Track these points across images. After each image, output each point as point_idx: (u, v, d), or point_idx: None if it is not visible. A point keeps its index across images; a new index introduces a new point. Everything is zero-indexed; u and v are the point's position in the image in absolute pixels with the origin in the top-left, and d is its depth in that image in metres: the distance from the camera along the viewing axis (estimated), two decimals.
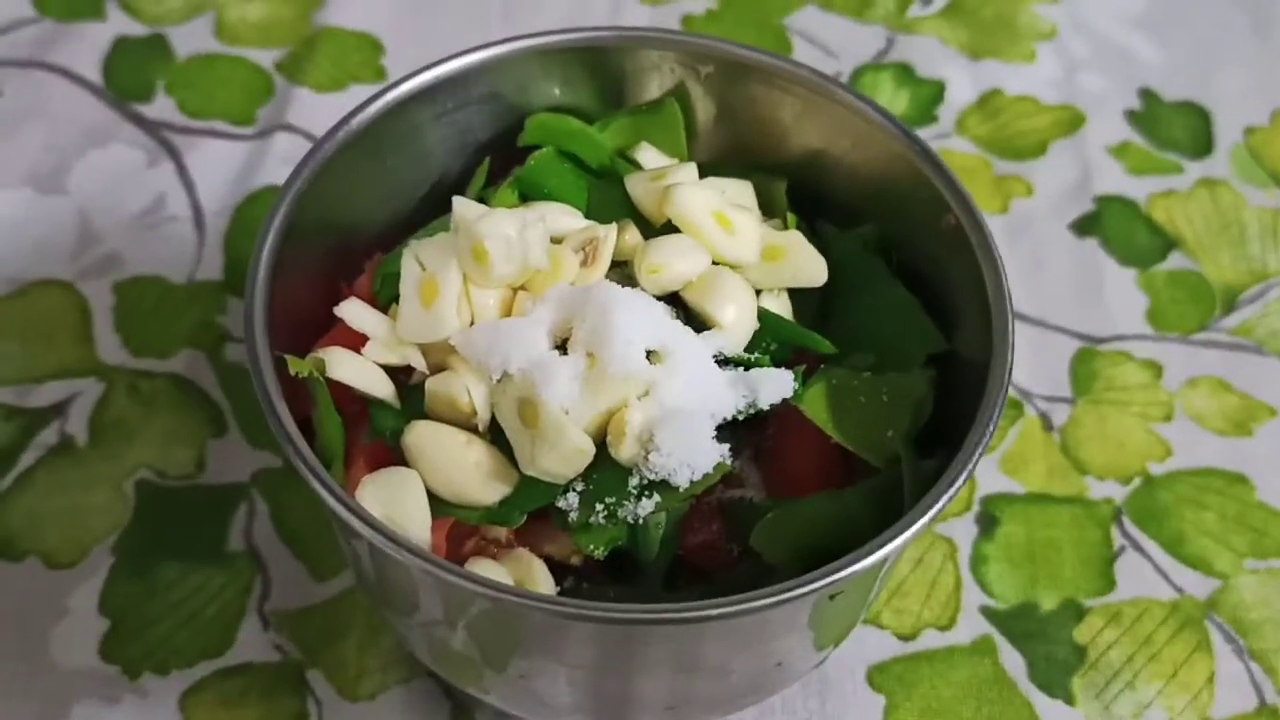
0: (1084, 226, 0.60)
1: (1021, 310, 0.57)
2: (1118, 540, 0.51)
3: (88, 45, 0.64)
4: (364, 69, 0.64)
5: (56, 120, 0.62)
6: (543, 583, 0.38)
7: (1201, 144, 0.64)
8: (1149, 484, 0.53)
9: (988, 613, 0.49)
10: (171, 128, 0.61)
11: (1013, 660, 0.48)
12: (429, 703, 0.46)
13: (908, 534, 0.35)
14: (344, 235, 0.44)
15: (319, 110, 0.62)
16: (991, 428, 0.37)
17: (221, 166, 0.60)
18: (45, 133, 0.61)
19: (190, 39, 0.65)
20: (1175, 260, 0.60)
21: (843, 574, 0.34)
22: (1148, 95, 0.65)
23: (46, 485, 0.50)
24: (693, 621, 0.34)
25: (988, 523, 0.52)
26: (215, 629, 0.47)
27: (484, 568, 0.38)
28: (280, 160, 0.60)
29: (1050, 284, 0.58)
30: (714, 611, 0.34)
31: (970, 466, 0.36)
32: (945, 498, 0.36)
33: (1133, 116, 0.65)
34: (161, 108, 0.62)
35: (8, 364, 0.53)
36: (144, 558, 0.49)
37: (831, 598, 0.37)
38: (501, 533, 0.39)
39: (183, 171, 0.60)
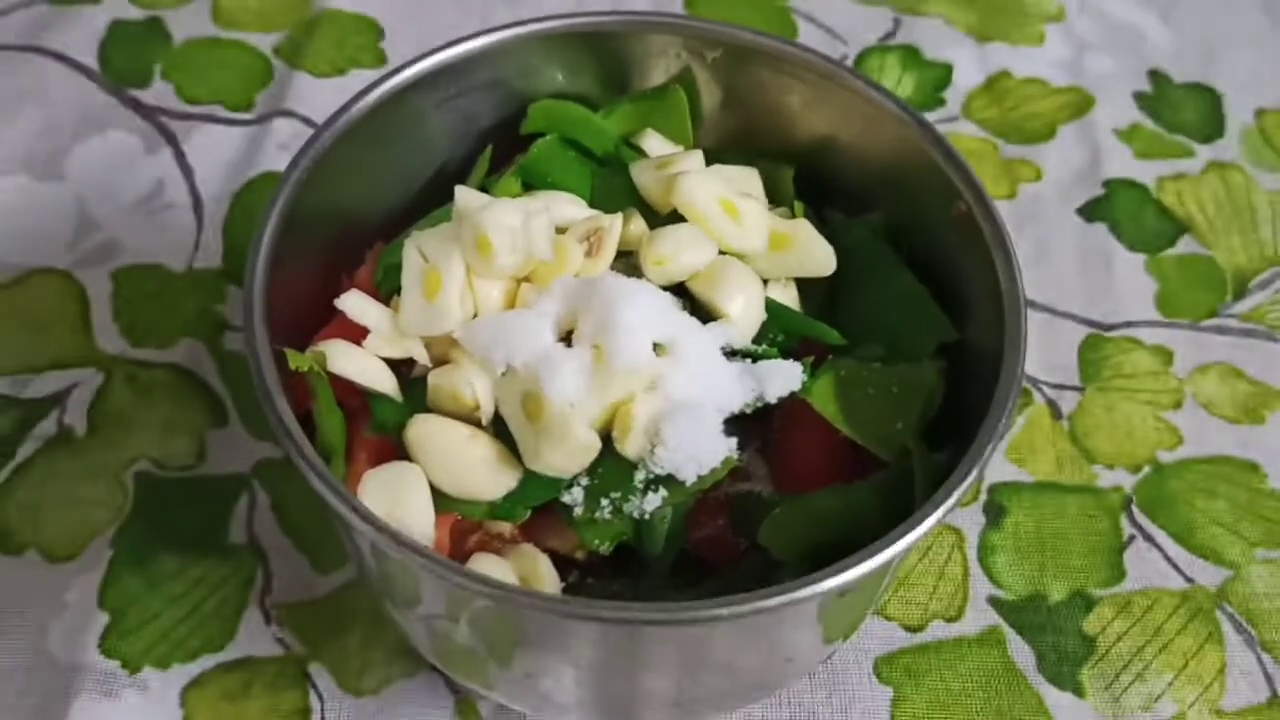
0: (1092, 211, 0.60)
1: (1029, 296, 0.56)
2: (1127, 530, 0.51)
3: (84, 29, 0.63)
4: (363, 53, 0.64)
5: (53, 105, 0.61)
6: (547, 579, 0.38)
7: (1212, 126, 0.63)
8: (1159, 472, 0.52)
9: (996, 603, 0.49)
10: (169, 113, 0.61)
11: (1021, 651, 0.48)
12: (433, 696, 0.46)
13: (918, 531, 0.35)
14: (344, 224, 0.44)
15: (318, 95, 0.61)
16: (1004, 422, 0.36)
17: (220, 152, 0.59)
18: (42, 118, 0.60)
19: (187, 23, 0.64)
20: (1185, 245, 0.59)
21: (852, 573, 0.34)
22: (1157, 77, 0.65)
23: (45, 477, 0.50)
24: (701, 622, 0.34)
25: (996, 512, 0.51)
26: (216, 622, 0.47)
27: (488, 563, 0.38)
28: (279, 146, 0.60)
29: (1058, 270, 0.58)
30: (723, 611, 0.33)
31: (983, 462, 0.36)
32: (957, 493, 0.35)
33: (1142, 99, 0.64)
34: (159, 93, 0.61)
35: (5, 354, 0.53)
36: (144, 550, 0.48)
37: (841, 595, 0.36)
38: (505, 528, 0.39)
39: (181, 157, 0.59)
